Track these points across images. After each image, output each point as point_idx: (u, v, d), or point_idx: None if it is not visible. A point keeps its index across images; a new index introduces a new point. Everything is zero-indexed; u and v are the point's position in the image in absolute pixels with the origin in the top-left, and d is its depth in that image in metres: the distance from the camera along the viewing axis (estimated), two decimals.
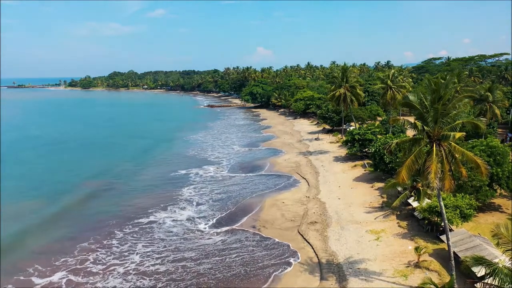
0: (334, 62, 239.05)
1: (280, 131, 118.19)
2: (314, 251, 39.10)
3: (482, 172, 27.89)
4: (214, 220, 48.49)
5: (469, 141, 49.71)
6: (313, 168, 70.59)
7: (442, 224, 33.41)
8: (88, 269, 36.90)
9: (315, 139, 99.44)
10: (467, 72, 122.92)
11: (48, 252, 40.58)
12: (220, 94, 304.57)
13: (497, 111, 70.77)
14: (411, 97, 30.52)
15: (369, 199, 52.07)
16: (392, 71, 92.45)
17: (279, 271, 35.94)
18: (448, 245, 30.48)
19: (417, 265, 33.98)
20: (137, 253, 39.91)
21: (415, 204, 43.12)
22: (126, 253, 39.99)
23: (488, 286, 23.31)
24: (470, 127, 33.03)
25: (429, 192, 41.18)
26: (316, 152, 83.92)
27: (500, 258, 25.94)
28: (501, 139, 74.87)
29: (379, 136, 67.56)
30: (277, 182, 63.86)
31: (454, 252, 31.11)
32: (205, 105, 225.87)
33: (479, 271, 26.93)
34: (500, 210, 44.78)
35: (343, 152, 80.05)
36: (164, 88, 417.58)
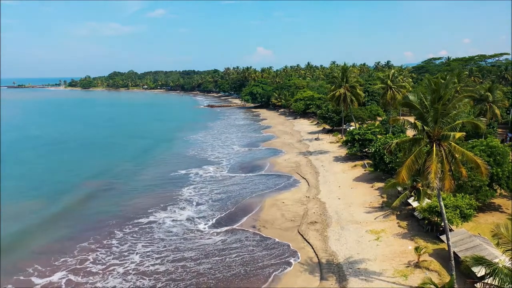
0: (334, 62, 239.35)
1: (280, 131, 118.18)
2: (314, 251, 39.09)
3: (482, 172, 27.88)
4: (214, 220, 48.48)
5: (469, 141, 49.70)
6: (313, 168, 70.58)
7: (442, 224, 33.40)
8: (88, 269, 36.90)
9: (315, 139, 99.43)
10: (467, 72, 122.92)
11: (48, 252, 40.57)
12: (220, 94, 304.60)
13: (497, 111, 70.77)
14: (411, 97, 30.51)
15: (369, 199, 52.06)
16: (392, 71, 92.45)
17: (279, 271, 35.93)
18: (448, 245, 30.47)
19: (417, 265, 33.97)
20: (137, 253, 39.91)
21: (415, 204, 43.11)
22: (125, 253, 39.98)
23: (488, 286, 23.30)
24: (470, 127, 33.03)
25: (429, 192, 41.17)
26: (316, 152, 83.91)
27: (500, 258, 25.93)
28: (501, 139, 74.86)
29: (379, 136, 67.56)
30: (277, 182, 63.85)
31: (454, 252, 31.10)
32: (205, 105, 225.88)
33: (479, 271, 26.92)
34: (500, 210, 44.77)
35: (343, 152, 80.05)
36: (164, 88, 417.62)
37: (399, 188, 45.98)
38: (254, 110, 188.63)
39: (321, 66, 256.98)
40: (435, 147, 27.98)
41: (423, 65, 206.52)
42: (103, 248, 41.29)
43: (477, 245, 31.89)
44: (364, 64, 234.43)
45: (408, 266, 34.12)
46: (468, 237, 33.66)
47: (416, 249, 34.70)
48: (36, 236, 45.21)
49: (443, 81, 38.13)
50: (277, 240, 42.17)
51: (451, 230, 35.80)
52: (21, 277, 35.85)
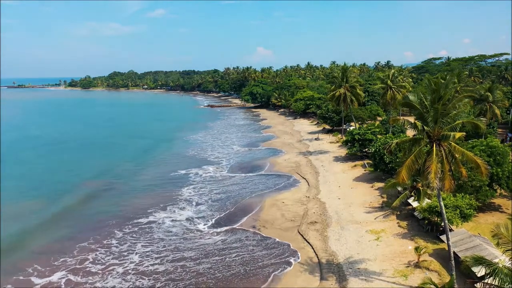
0: (334, 62, 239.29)
1: (280, 131, 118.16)
2: (314, 251, 39.06)
3: (482, 172, 27.85)
4: (213, 220, 48.44)
5: (469, 141, 49.66)
6: (313, 168, 70.55)
7: (442, 224, 33.37)
8: (88, 269, 36.87)
9: (315, 139, 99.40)
10: (467, 72, 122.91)
11: (47, 252, 40.55)
12: (220, 94, 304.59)
13: (497, 111, 70.73)
14: (411, 97, 30.49)
15: (369, 199, 52.03)
16: (392, 71, 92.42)
17: (279, 270, 35.91)
18: (448, 245, 30.45)
19: (417, 265, 33.94)
20: (136, 253, 39.88)
21: (415, 204, 43.08)
22: (125, 253, 39.96)
23: (488, 286, 23.27)
24: (470, 127, 33.01)
25: (429, 192, 41.14)
26: (316, 152, 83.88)
27: (500, 258, 25.90)
28: (501, 139, 74.83)
29: (379, 136, 67.54)
30: (277, 182, 63.82)
31: (454, 252, 31.08)
32: (205, 105, 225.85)
33: (479, 271, 26.89)
34: (500, 210, 44.74)
35: (343, 152, 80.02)
36: (164, 88, 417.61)
37: (399, 188, 45.95)
38: (254, 110, 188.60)
39: (321, 66, 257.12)
40: (435, 147, 27.96)
41: (423, 65, 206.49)
42: (103, 248, 41.26)
43: (477, 245, 31.86)
44: (364, 64, 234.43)
45: (408, 266, 34.09)
46: (468, 237, 33.63)
47: (416, 249, 34.67)
48: (36, 236, 45.18)
49: (443, 81, 38.10)
50: (277, 240, 42.16)
51: (451, 230, 35.77)
52: (21, 277, 35.84)
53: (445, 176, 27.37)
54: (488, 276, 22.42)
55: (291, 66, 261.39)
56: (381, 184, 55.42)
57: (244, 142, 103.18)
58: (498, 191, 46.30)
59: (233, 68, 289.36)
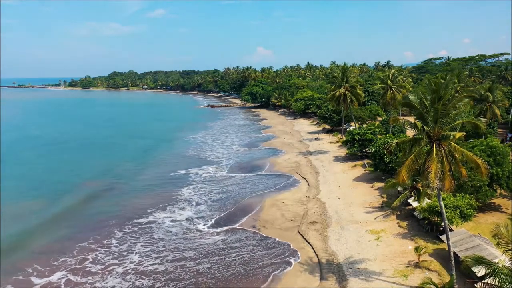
0: (334, 62, 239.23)
1: (280, 131, 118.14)
2: (314, 251, 39.05)
3: (482, 172, 27.85)
4: (213, 220, 48.42)
5: (469, 141, 49.65)
6: (313, 168, 70.54)
7: (442, 224, 33.36)
8: (87, 269, 36.86)
9: (315, 139, 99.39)
10: (467, 72, 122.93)
11: (47, 252, 40.54)
12: (220, 94, 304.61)
13: (497, 111, 70.72)
14: (411, 97, 30.48)
15: (369, 199, 52.02)
16: (392, 71, 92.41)
17: (279, 270, 35.89)
18: (448, 245, 30.44)
19: (417, 265, 33.93)
20: (136, 253, 39.87)
21: (415, 204, 43.07)
22: (125, 253, 39.95)
23: (488, 286, 23.26)
24: (470, 127, 33.00)
25: (429, 192, 41.12)
26: (316, 152, 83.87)
27: (500, 258, 25.89)
28: (501, 139, 74.83)
29: (379, 136, 67.53)
30: (277, 182, 63.80)
31: (454, 252, 31.07)
32: (205, 105, 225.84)
33: (479, 271, 26.89)
34: (500, 210, 44.73)
35: (343, 152, 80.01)
36: (164, 88, 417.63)
37: (399, 188, 45.93)
38: (254, 110, 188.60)
39: (321, 66, 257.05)
40: (435, 147, 27.95)
41: (423, 65, 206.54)
42: (103, 248, 41.25)
43: (477, 245, 31.85)
44: (364, 64, 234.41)
45: (408, 266, 34.08)
46: (468, 237, 33.62)
47: (416, 249, 34.66)
48: (36, 236, 45.17)
49: (443, 81, 38.08)
50: (277, 239, 42.15)
51: (451, 230, 35.76)
52: (21, 277, 35.83)
53: (445, 176, 27.36)
54: (488, 276, 22.41)
55: (291, 66, 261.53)
56: (381, 184, 55.41)
57: (244, 142, 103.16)
58: (498, 191, 46.28)
59: (233, 68, 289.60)
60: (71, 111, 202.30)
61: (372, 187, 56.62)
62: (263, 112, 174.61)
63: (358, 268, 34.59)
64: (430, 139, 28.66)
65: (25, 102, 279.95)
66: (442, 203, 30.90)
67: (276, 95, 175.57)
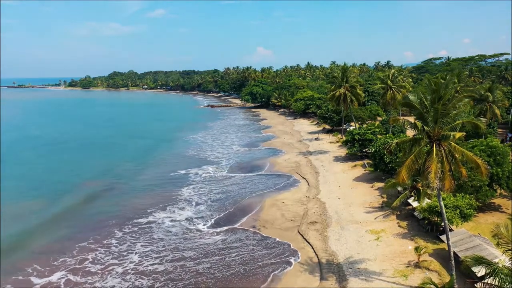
0: (334, 62, 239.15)
1: (280, 131, 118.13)
2: (314, 251, 39.04)
3: (482, 172, 27.83)
4: (213, 220, 48.41)
5: (469, 141, 49.64)
6: (313, 168, 70.52)
7: (442, 224, 33.35)
8: (87, 269, 36.84)
9: (315, 139, 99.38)
10: (467, 72, 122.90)
11: (47, 252, 40.53)
12: (220, 94, 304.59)
13: (497, 111, 70.70)
14: (411, 97, 30.47)
15: (369, 199, 52.01)
16: (392, 71, 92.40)
17: (279, 270, 35.88)
18: (448, 245, 30.42)
19: (417, 265, 33.91)
20: (136, 253, 39.86)
21: (415, 204, 43.06)
22: (125, 253, 39.94)
23: (488, 286, 23.25)
24: (470, 127, 32.99)
25: (429, 192, 41.11)
26: (316, 152, 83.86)
27: (500, 258, 25.88)
28: (501, 139, 74.81)
29: (379, 136, 67.52)
30: (277, 182, 63.78)
31: (454, 252, 31.05)
32: (205, 105, 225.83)
33: (479, 271, 26.87)
34: (500, 210, 44.72)
35: (343, 152, 79.99)
36: (164, 88, 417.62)
37: (399, 188, 45.92)
38: (254, 110, 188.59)
39: (321, 66, 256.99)
40: (435, 147, 27.93)
41: (423, 65, 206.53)
42: (102, 248, 41.24)
43: (477, 245, 31.84)
44: (364, 64, 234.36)
45: (408, 266, 34.06)
46: (468, 237, 33.61)
47: (416, 249, 34.64)
48: (36, 236, 45.15)
49: (443, 81, 38.08)
50: (277, 239, 42.14)
51: (451, 230, 35.75)
52: (20, 277, 35.81)
53: (445, 176, 27.34)
54: (488, 276, 22.40)
55: (291, 66, 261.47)
56: (381, 184, 55.39)
57: (244, 142, 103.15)
58: (498, 191, 46.27)
59: (233, 68, 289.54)
60: (71, 111, 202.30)
61: (372, 187, 56.61)
62: (263, 112, 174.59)
63: (358, 268, 34.58)
64: (430, 139, 28.64)
65: (25, 102, 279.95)
66: (442, 203, 30.88)
67: (276, 95, 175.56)
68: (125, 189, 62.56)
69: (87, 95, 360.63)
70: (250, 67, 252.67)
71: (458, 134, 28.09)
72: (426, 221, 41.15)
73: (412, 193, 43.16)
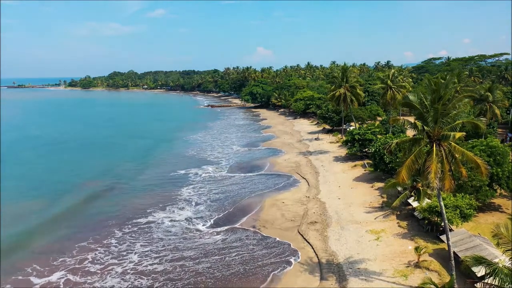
0: (334, 62, 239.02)
1: (280, 131, 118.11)
2: (314, 251, 39.01)
3: (482, 172, 27.81)
4: (212, 220, 48.37)
5: (469, 141, 49.61)
6: (313, 168, 70.49)
7: (442, 224, 33.32)
8: (87, 269, 36.82)
9: (315, 139, 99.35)
10: (467, 72, 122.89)
11: (47, 252, 40.51)
12: (220, 94, 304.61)
13: (497, 111, 70.68)
14: (411, 97, 30.45)
15: (369, 199, 51.98)
16: (392, 71, 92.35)
17: (279, 270, 35.86)
18: (448, 245, 30.39)
19: (417, 265, 33.89)
20: (135, 253, 39.84)
21: (415, 204, 43.03)
22: (124, 253, 39.91)
23: (488, 286, 23.22)
24: (470, 127, 32.97)
25: (429, 192, 41.08)
26: (316, 152, 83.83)
27: (500, 258, 25.86)
28: (501, 139, 74.79)
29: (379, 136, 67.49)
30: (277, 182, 63.76)
31: (454, 252, 31.03)
32: (205, 105, 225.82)
33: (479, 271, 26.85)
34: (500, 210, 44.69)
35: (343, 152, 79.97)
36: (164, 88, 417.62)
37: (399, 188, 45.89)
38: (254, 110, 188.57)
39: (321, 66, 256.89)
40: (435, 147, 27.91)
41: (423, 65, 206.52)
42: (102, 247, 41.21)
43: (477, 245, 31.81)
44: (364, 64, 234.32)
45: (408, 266, 34.04)
46: (468, 237, 33.58)
47: (416, 249, 34.62)
48: (35, 236, 45.11)
49: (443, 81, 38.07)
50: (277, 239, 42.13)
51: (451, 230, 35.72)
52: (20, 277, 35.78)
53: (445, 176, 27.32)
54: (488, 276, 22.37)
55: (291, 66, 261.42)
56: (381, 184, 55.36)
57: (244, 142, 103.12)
58: (498, 191, 46.24)
59: (233, 68, 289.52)
60: (71, 111, 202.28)
61: (372, 187, 56.58)
62: (263, 112, 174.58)
63: (358, 268, 34.55)
64: (430, 139, 28.62)
65: (25, 102, 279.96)
66: (442, 203, 30.86)
67: (276, 95, 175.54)
68: (125, 189, 62.54)
69: (87, 95, 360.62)
70: (250, 67, 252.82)
71: (458, 134, 28.07)
72: (426, 221, 41.13)
73: (412, 193, 43.13)
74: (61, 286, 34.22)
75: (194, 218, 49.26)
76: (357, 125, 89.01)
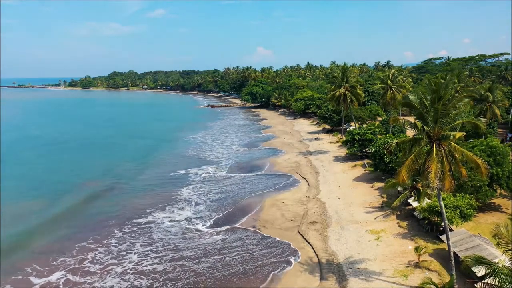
0: (334, 62, 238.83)
1: (280, 131, 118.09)
2: (314, 251, 39.00)
3: (482, 172, 27.80)
4: (212, 220, 48.35)
5: (469, 141, 49.60)
6: (313, 168, 70.48)
7: (442, 224, 33.31)
8: (86, 269, 36.81)
9: (315, 139, 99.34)
10: (467, 72, 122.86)
11: (47, 252, 40.50)
12: (220, 94, 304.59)
13: (497, 111, 70.67)
14: (411, 97, 30.44)
15: (369, 199, 51.96)
16: (392, 71, 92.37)
17: (279, 270, 35.85)
18: (448, 245, 30.38)
19: (417, 265, 33.88)
20: (135, 253, 39.82)
21: (415, 204, 43.02)
22: (124, 253, 39.90)
23: (488, 286, 23.21)
24: (470, 127, 32.95)
25: (429, 192, 41.07)
26: (316, 152, 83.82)
27: (500, 258, 25.85)
28: (501, 139, 74.78)
29: (379, 136, 67.48)
30: (277, 182, 63.75)
31: (454, 252, 31.01)
32: (205, 105, 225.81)
33: (479, 271, 26.84)
34: (500, 210, 44.68)
35: (343, 152, 79.96)
36: (164, 88, 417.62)
37: (399, 188, 45.88)
38: (254, 110, 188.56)
39: (321, 66, 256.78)
40: (435, 147, 27.90)
41: (423, 65, 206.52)
42: (102, 247, 41.20)
43: (477, 245, 31.80)
44: (364, 64, 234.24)
45: (408, 266, 34.03)
46: (468, 237, 33.57)
47: (416, 249, 34.61)
48: (36, 236, 45.09)
49: (443, 81, 38.03)
50: (277, 239, 42.13)
51: (451, 230, 35.71)
52: (20, 277, 35.77)
53: (445, 176, 27.31)
54: (488, 276, 22.36)
55: (291, 66, 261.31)
56: (381, 184, 55.35)
57: (244, 142, 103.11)
58: (498, 191, 46.23)
59: (233, 68, 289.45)
60: (71, 111, 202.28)
61: (372, 187, 56.57)
62: (263, 112, 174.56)
63: (358, 268, 34.54)
64: (430, 139, 28.61)
65: (25, 102, 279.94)
66: (442, 203, 30.85)
67: (276, 95, 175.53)
68: (125, 189, 62.53)
69: (87, 95, 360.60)
70: (250, 67, 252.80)
71: (458, 134, 28.06)
72: (426, 221, 41.11)
73: (412, 193, 43.12)
74: (61, 286, 34.21)
75: (194, 218, 49.26)
76: (357, 125, 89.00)
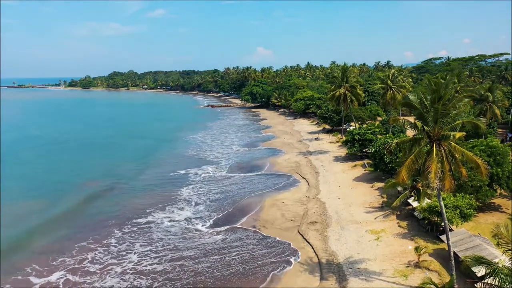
0: (334, 62, 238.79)
1: (280, 131, 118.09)
2: (314, 251, 38.99)
3: (482, 172, 27.79)
4: (211, 220, 48.35)
5: (469, 141, 49.60)
6: (313, 168, 70.47)
7: (442, 224, 33.31)
8: (86, 269, 36.80)
9: (315, 139, 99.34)
10: (467, 72, 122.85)
11: (46, 252, 40.48)
12: (220, 94, 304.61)
13: (497, 111, 70.67)
14: (411, 97, 30.43)
15: (369, 199, 51.96)
16: (392, 71, 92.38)
17: (279, 269, 35.84)
18: (448, 245, 30.38)
19: (417, 265, 33.87)
20: (135, 253, 39.82)
21: (415, 204, 43.01)
22: (124, 253, 39.89)
23: (488, 286, 23.21)
24: (470, 127, 32.94)
25: (429, 192, 41.06)
26: (316, 152, 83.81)
27: (500, 258, 25.84)
28: (501, 139, 74.78)
29: (379, 136, 67.48)
30: (277, 182, 63.73)
31: (454, 252, 31.01)
32: (205, 105, 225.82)
33: (479, 271, 26.83)
34: (500, 210, 44.67)
35: (343, 152, 79.95)
36: (164, 88, 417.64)
37: (399, 188, 45.87)
38: (254, 110, 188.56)
39: (321, 66, 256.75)
40: (435, 147, 27.89)
41: (423, 65, 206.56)
42: (102, 247, 41.19)
43: (477, 245, 31.79)
44: (364, 64, 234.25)
45: (408, 266, 34.02)
46: (468, 237, 33.57)
47: (416, 249, 34.60)
48: (35, 236, 45.08)
49: (443, 81, 38.03)
50: (277, 239, 42.12)
51: (451, 230, 35.70)
52: (19, 277, 35.76)
53: (445, 176, 27.30)
54: (488, 276, 22.35)
55: (291, 66, 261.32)
56: (381, 184, 55.34)
57: (244, 142, 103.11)
58: (498, 191, 46.22)
59: (233, 68, 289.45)
60: (71, 111, 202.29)
61: (372, 187, 56.56)
62: (263, 112, 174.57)
63: (358, 268, 34.53)
64: (430, 139, 28.60)
65: (25, 102, 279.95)
66: (442, 203, 30.84)
67: (276, 95, 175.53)
68: (125, 189, 62.52)
69: (87, 95, 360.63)
70: (250, 67, 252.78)
71: (458, 134, 28.05)
72: (426, 221, 41.11)
73: (412, 193, 43.10)
74: (61, 286, 34.20)
75: (194, 218, 49.25)
76: (357, 125, 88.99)
